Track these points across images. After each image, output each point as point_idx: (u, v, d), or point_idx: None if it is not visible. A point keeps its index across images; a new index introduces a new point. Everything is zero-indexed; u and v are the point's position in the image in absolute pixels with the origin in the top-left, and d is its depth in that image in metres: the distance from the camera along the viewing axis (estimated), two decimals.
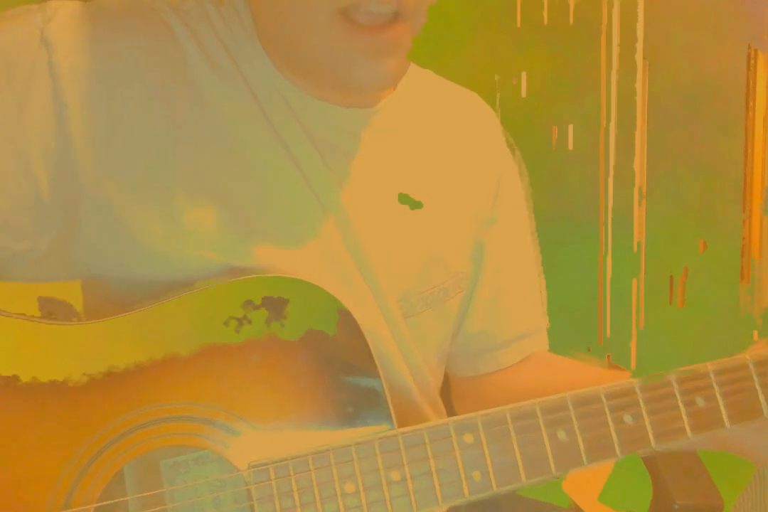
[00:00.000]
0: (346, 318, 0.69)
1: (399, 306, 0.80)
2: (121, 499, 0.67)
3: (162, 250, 0.71)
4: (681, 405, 0.72)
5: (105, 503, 0.66)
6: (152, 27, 0.74)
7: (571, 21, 1.78)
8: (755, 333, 1.90)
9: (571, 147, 1.82)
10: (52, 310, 0.76)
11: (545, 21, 1.78)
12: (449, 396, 0.99)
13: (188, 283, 0.70)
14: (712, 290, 1.87)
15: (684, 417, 0.72)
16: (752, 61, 1.81)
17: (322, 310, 0.69)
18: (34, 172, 0.69)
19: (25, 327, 0.67)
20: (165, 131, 0.72)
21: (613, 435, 0.70)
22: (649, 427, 0.71)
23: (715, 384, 0.72)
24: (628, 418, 0.70)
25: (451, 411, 0.94)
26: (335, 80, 0.75)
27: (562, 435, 0.69)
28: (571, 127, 1.81)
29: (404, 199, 0.81)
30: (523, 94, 1.80)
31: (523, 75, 1.79)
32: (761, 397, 0.73)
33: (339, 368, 0.69)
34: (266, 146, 0.75)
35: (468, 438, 0.68)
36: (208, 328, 0.68)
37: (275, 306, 0.69)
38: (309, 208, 0.76)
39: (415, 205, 0.82)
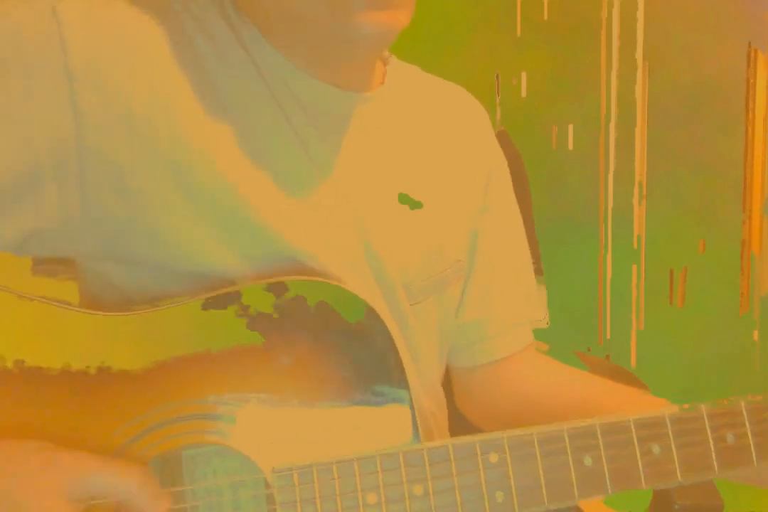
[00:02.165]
0: (375, 322, 0.69)
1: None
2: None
3: (172, 228, 0.71)
4: (711, 441, 0.70)
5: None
6: (159, 10, 0.74)
7: (571, 21, 1.79)
8: (755, 333, 1.90)
9: (571, 147, 1.82)
10: None
11: (545, 21, 1.78)
12: (450, 388, 0.99)
13: (193, 274, 0.70)
14: (712, 290, 1.87)
15: (713, 454, 0.70)
16: (752, 61, 1.81)
17: (350, 314, 0.69)
18: (35, 144, 0.69)
19: (57, 314, 0.67)
20: (169, 106, 0.72)
21: (640, 466, 0.69)
22: (677, 461, 0.70)
23: (747, 423, 0.71)
24: (656, 449, 0.69)
25: (450, 404, 0.94)
26: (334, 38, 0.73)
27: (588, 461, 0.68)
28: (571, 127, 1.81)
29: (404, 198, 0.82)
30: (523, 94, 1.80)
31: (523, 75, 1.79)
32: None
33: (367, 374, 0.69)
34: (274, 125, 0.75)
35: (493, 457, 0.67)
36: (236, 327, 0.68)
37: (303, 309, 0.68)
38: (313, 187, 0.76)
39: (415, 204, 0.82)
